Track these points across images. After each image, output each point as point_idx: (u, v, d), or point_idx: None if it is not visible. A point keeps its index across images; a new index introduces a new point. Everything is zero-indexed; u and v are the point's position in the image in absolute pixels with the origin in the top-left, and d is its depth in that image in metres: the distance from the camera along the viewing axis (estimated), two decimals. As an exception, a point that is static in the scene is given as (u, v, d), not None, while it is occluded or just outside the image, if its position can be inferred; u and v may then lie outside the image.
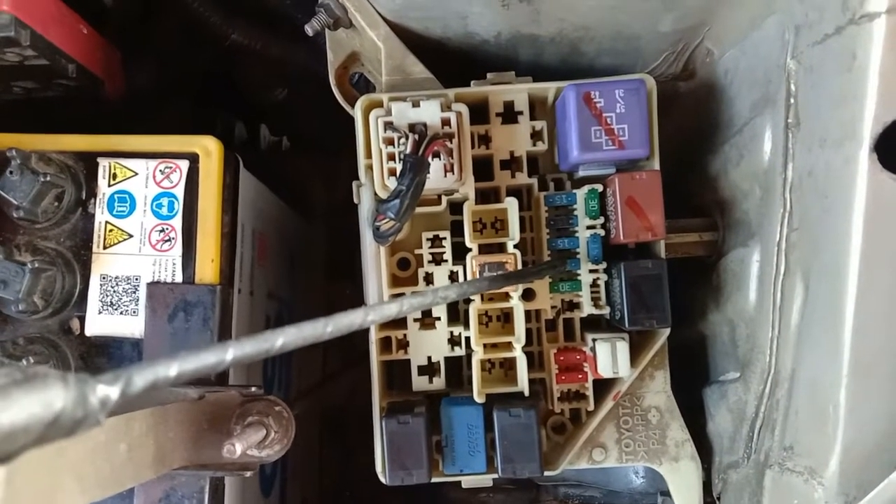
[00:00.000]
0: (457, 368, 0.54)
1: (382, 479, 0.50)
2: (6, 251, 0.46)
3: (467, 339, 0.50)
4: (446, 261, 0.51)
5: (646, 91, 0.47)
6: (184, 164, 0.50)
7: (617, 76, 0.49)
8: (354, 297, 0.53)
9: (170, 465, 0.42)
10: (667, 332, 0.51)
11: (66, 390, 0.20)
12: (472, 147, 0.50)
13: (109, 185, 0.50)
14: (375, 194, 0.48)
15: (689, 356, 0.58)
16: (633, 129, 0.47)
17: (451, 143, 0.47)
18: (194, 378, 0.25)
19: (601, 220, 0.50)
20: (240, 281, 0.54)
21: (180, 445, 0.43)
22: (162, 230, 0.49)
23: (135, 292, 0.49)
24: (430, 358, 0.52)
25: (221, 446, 0.41)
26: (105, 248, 0.49)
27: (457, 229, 0.51)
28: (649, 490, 0.62)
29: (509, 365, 0.51)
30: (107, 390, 0.22)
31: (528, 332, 0.52)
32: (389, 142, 0.47)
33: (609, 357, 0.49)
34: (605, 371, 0.50)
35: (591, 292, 0.51)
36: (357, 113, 0.50)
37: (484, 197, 0.52)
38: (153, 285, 0.49)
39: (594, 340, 0.50)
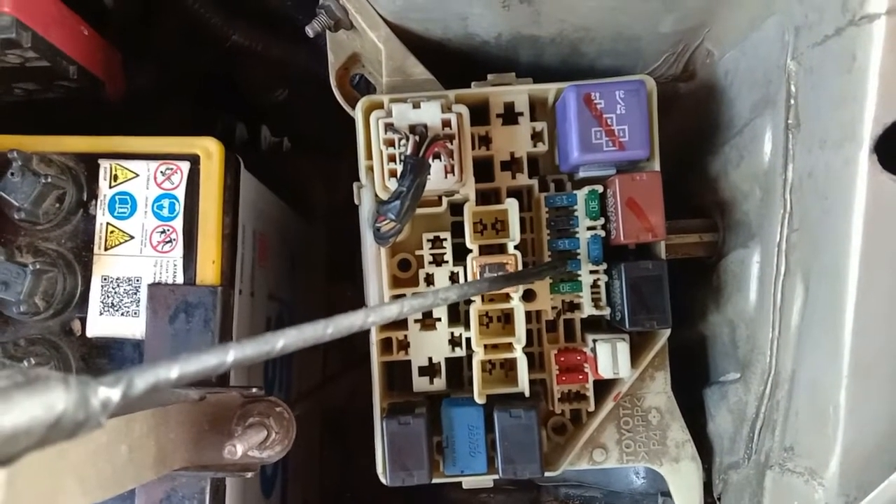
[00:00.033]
0: (457, 369, 0.54)
1: (383, 480, 0.50)
2: (7, 253, 0.47)
3: (468, 339, 0.50)
4: (447, 262, 0.51)
5: (646, 92, 0.47)
6: (185, 166, 0.50)
7: (617, 77, 0.49)
8: (355, 299, 0.53)
9: (171, 466, 0.42)
10: (667, 332, 0.51)
11: (67, 392, 0.20)
12: (473, 148, 0.50)
13: (110, 187, 0.50)
14: (376, 195, 0.48)
15: (689, 357, 0.58)
16: (634, 130, 0.47)
17: (452, 144, 0.47)
18: (195, 379, 0.25)
19: (601, 220, 0.50)
20: (241, 282, 0.54)
21: (181, 446, 0.43)
22: (163, 231, 0.49)
23: (136, 293, 0.49)
24: (430, 359, 0.52)
25: (222, 447, 0.41)
26: (106, 249, 0.49)
27: (457, 230, 0.51)
28: (650, 491, 0.62)
29: (510, 366, 0.51)
30: (108, 392, 0.22)
31: (529, 332, 0.52)
32: (390, 143, 0.47)
33: (609, 358, 0.49)
34: (605, 372, 0.50)
35: (592, 293, 0.51)
36: (358, 114, 0.50)
37: (484, 198, 0.52)
38: (154, 286, 0.49)
39: (595, 341, 0.50)
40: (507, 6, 0.49)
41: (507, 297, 0.49)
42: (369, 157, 0.49)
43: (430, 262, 0.51)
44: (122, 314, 0.49)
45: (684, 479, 0.54)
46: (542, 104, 0.52)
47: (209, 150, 0.50)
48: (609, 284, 0.51)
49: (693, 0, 0.49)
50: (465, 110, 0.48)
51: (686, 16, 0.51)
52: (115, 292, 0.49)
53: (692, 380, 0.58)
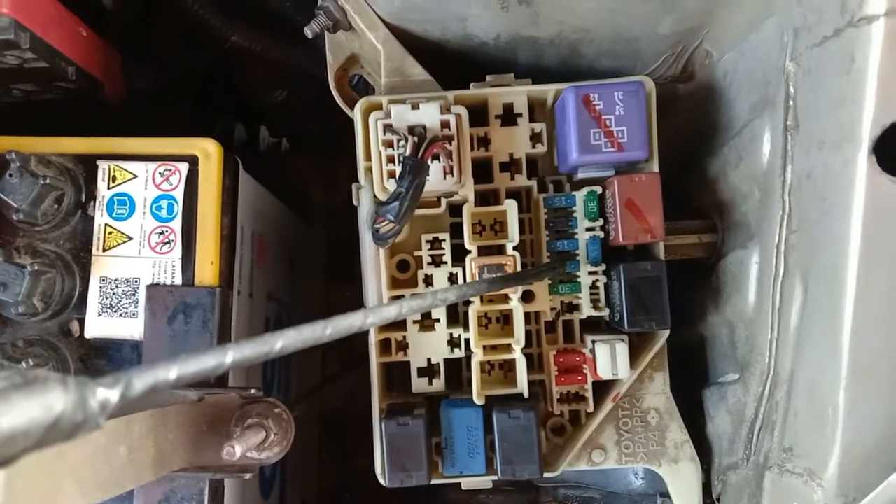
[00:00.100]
0: (456, 370, 0.54)
1: (382, 481, 0.50)
2: (6, 253, 0.47)
3: (467, 340, 0.50)
4: (446, 263, 0.51)
5: (645, 93, 0.47)
6: (183, 167, 0.50)
7: (616, 78, 0.49)
8: (354, 300, 0.53)
9: (169, 468, 0.42)
10: (666, 333, 0.51)
11: (65, 394, 0.20)
12: (472, 149, 0.50)
13: (109, 188, 0.50)
14: (375, 196, 0.48)
15: (688, 358, 0.58)
16: (633, 131, 0.47)
17: (451, 145, 0.47)
18: (194, 380, 0.25)
19: (600, 221, 0.50)
20: (239, 283, 0.54)
21: (180, 447, 0.43)
22: (161, 232, 0.49)
23: (134, 294, 0.49)
24: (429, 360, 0.52)
25: (221, 448, 0.41)
26: (104, 250, 0.49)
27: (456, 231, 0.51)
28: (649, 491, 0.62)
29: (509, 367, 0.51)
30: (106, 393, 0.22)
31: (528, 333, 0.52)
32: (389, 144, 0.47)
33: (608, 359, 0.49)
34: (604, 373, 0.50)
35: (591, 294, 0.51)
36: (356, 115, 0.50)
37: (483, 199, 0.52)
38: (153, 287, 0.49)
39: (593, 342, 0.50)
40: (505, 7, 0.49)
41: (505, 299, 0.49)
42: (368, 158, 0.49)
43: (428, 263, 0.51)
44: (121, 315, 0.49)
45: (683, 480, 0.54)
46: (541, 105, 0.52)
47: (208, 151, 0.50)
48: (608, 285, 0.51)
49: (692, 1, 0.49)
50: (463, 111, 0.48)
51: (685, 17, 0.51)
52: (114, 293, 0.49)
53: (691, 381, 0.58)
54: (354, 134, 0.50)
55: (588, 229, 0.51)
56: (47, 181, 0.47)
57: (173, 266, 0.49)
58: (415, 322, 0.51)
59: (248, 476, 0.46)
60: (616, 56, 0.56)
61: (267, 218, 0.62)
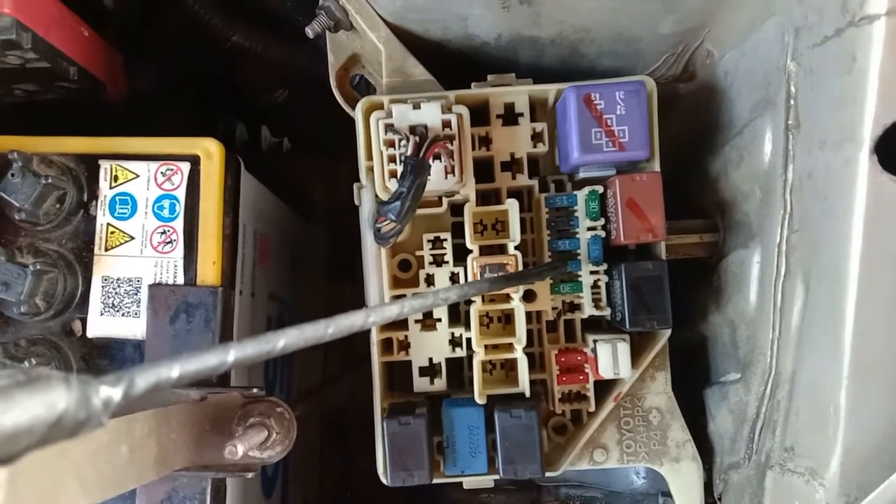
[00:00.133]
0: (458, 370, 0.54)
1: (384, 481, 0.50)
2: (8, 253, 0.47)
3: (468, 340, 0.50)
4: (447, 262, 0.51)
5: (646, 93, 0.47)
6: (185, 166, 0.50)
7: (617, 78, 0.49)
8: (355, 299, 0.53)
9: (172, 467, 0.42)
10: (667, 333, 0.51)
11: (68, 391, 0.20)
12: (473, 149, 0.50)
13: (111, 188, 0.50)
14: (376, 196, 0.49)
15: (689, 357, 0.58)
16: (634, 130, 0.47)
17: (452, 144, 0.47)
18: (196, 379, 0.25)
19: (602, 221, 0.50)
20: (241, 283, 0.54)
21: (182, 447, 0.43)
22: (163, 232, 0.49)
23: (136, 294, 0.49)
24: (431, 359, 0.52)
25: (223, 447, 0.41)
26: (107, 249, 0.49)
27: (458, 231, 0.51)
28: (650, 491, 0.62)
29: (510, 366, 0.51)
30: (109, 391, 0.22)
31: (529, 333, 0.52)
32: (390, 144, 0.47)
33: (610, 358, 0.49)
34: (606, 372, 0.50)
35: (592, 293, 0.51)
36: (358, 115, 0.50)
37: (485, 198, 0.52)
38: (155, 287, 0.49)
39: (595, 341, 0.50)
40: (506, 7, 0.49)
41: (507, 298, 0.49)
42: (369, 157, 0.49)
43: (430, 263, 0.51)
44: (123, 315, 0.49)
45: (685, 480, 0.54)
46: (543, 105, 0.52)
47: (209, 150, 0.50)
48: (609, 285, 0.51)
49: (693, 1, 0.49)
50: (465, 111, 0.48)
51: (686, 17, 0.51)
52: (116, 293, 0.49)
53: (693, 380, 0.58)
54: (356, 134, 0.50)
55: (589, 229, 0.51)
56: (49, 181, 0.47)
57: (175, 265, 0.49)
58: (416, 321, 0.51)
59: (250, 475, 0.46)
60: (617, 56, 0.56)
61: (269, 217, 0.63)
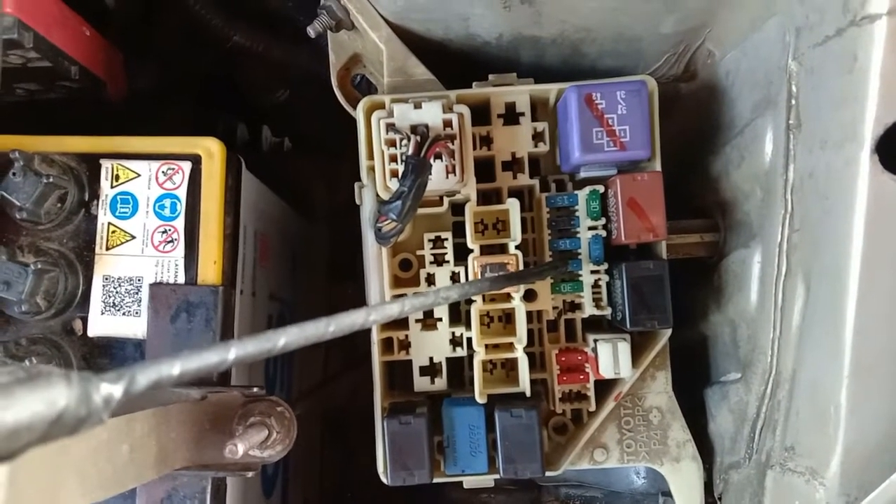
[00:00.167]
0: (458, 369, 0.54)
1: (384, 480, 0.50)
2: (9, 252, 0.47)
3: (469, 339, 0.50)
4: (448, 262, 0.51)
5: (647, 92, 0.47)
6: (186, 166, 0.50)
7: (618, 78, 0.49)
8: (356, 299, 0.53)
9: (172, 466, 0.42)
10: (668, 332, 0.51)
11: (69, 388, 0.20)
12: (474, 148, 0.50)
13: (112, 187, 0.50)
14: (377, 195, 0.49)
15: (690, 357, 0.58)
16: (635, 130, 0.47)
17: (453, 144, 0.47)
18: (197, 377, 0.25)
19: (602, 220, 0.50)
20: (242, 282, 0.54)
21: (182, 446, 0.43)
22: (164, 231, 0.49)
23: (137, 293, 0.49)
24: (431, 358, 0.52)
25: (223, 447, 0.41)
26: (108, 249, 0.49)
27: (458, 230, 0.51)
28: (650, 490, 0.62)
29: (511, 365, 0.51)
30: (110, 389, 0.22)
31: (530, 332, 0.52)
32: (391, 143, 0.47)
33: (610, 358, 0.49)
34: (606, 372, 0.50)
35: (593, 293, 0.51)
36: (359, 114, 0.50)
37: (485, 198, 0.52)
38: (156, 286, 0.49)
39: (596, 341, 0.50)
40: (508, 7, 0.49)
41: (508, 297, 0.49)
42: (371, 157, 0.49)
43: (431, 262, 0.51)
44: (124, 314, 0.49)
45: (685, 479, 0.54)
46: (544, 104, 0.52)
47: (211, 150, 0.50)
48: (610, 284, 0.51)
49: (694, 1, 0.49)
50: (466, 110, 0.48)
51: (687, 16, 0.51)
52: (117, 292, 0.49)
53: (693, 380, 0.58)
54: (357, 133, 0.50)
55: (590, 228, 0.51)
56: (50, 180, 0.47)
57: (176, 265, 0.49)
58: (417, 321, 0.51)
59: (250, 474, 0.46)
60: (618, 55, 0.56)
61: (269, 217, 0.63)
